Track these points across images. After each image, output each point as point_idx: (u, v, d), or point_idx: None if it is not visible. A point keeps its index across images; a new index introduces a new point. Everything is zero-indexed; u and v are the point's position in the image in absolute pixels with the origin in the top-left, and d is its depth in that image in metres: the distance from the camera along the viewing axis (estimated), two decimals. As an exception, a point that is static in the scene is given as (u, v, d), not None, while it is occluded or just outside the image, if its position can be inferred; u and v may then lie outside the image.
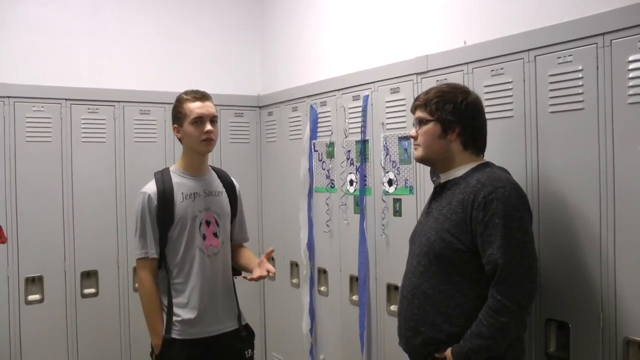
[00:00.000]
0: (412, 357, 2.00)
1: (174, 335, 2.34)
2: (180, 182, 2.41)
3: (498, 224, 1.75)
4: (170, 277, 2.39)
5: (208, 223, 2.42)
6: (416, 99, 2.00)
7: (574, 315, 1.97)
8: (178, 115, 2.40)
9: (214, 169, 2.57)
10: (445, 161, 1.96)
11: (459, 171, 1.93)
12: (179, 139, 2.45)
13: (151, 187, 2.38)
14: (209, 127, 2.37)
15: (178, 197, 2.37)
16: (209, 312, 2.38)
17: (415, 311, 1.90)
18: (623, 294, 1.84)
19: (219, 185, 2.52)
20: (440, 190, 1.98)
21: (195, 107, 2.37)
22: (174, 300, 2.37)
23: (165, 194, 2.35)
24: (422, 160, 2.02)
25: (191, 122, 2.36)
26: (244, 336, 2.50)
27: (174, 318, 2.35)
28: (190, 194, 2.40)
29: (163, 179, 2.40)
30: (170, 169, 2.47)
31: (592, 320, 1.91)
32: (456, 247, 1.83)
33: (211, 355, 2.39)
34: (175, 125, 2.43)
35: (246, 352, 2.50)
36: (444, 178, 1.98)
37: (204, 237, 2.39)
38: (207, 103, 2.41)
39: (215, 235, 2.43)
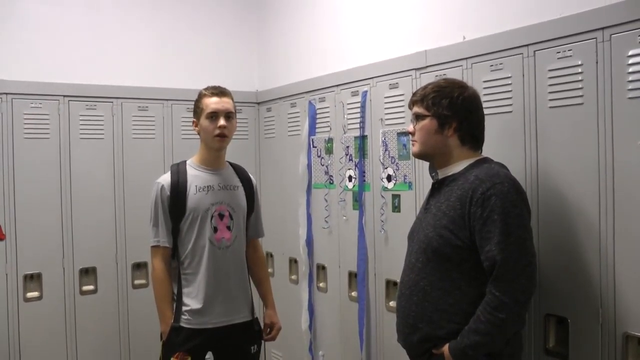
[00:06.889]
0: (410, 353, 1.99)
1: (182, 324, 2.38)
2: (195, 175, 2.45)
3: (496, 220, 1.74)
4: (182, 267, 2.44)
5: (222, 216, 2.44)
6: (413, 95, 2.00)
7: (573, 311, 1.97)
8: (197, 109, 2.46)
9: (231, 164, 2.60)
10: (442, 157, 1.95)
11: (457, 167, 1.93)
12: (198, 133, 2.49)
13: (165, 178, 2.44)
14: (222, 122, 2.40)
15: (191, 189, 2.41)
16: (218, 304, 2.41)
17: (414, 308, 1.90)
18: (622, 289, 1.84)
19: (235, 180, 2.54)
20: (438, 186, 1.98)
21: (211, 102, 2.41)
22: (184, 290, 2.41)
23: (179, 186, 2.40)
24: (419, 155, 2.02)
25: (206, 116, 2.41)
26: (255, 330, 2.54)
27: (183, 307, 2.39)
28: (204, 187, 2.43)
29: (178, 171, 2.45)
30: (187, 162, 2.51)
31: (591, 316, 1.91)
32: (454, 244, 1.82)
33: (216, 346, 2.42)
34: (194, 120, 2.48)
35: (252, 347, 2.52)
36: (441, 174, 1.97)
37: (216, 230, 2.42)
38: (224, 99, 2.45)
39: (229, 228, 2.46)
